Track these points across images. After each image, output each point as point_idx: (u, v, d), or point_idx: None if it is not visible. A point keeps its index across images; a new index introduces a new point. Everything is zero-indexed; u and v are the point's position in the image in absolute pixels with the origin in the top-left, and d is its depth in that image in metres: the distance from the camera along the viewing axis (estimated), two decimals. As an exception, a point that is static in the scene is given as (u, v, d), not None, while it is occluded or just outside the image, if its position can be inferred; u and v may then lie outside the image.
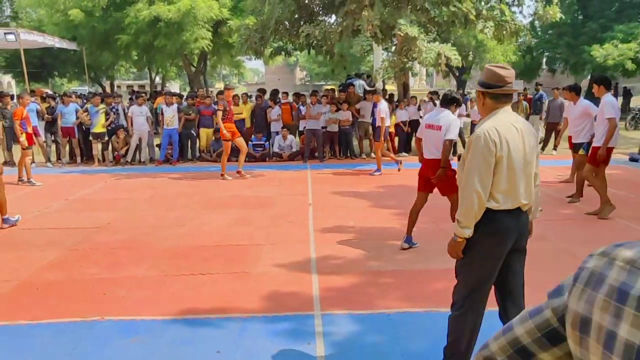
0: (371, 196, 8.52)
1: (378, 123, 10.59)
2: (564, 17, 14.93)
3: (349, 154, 13.36)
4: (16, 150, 11.43)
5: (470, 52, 25.75)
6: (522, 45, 26.95)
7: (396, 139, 13.89)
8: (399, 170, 10.83)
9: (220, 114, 10.21)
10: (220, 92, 14.03)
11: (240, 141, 10.53)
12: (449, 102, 5.50)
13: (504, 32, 12.44)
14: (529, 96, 14.80)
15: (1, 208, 6.79)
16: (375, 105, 13.08)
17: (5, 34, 15.39)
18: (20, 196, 8.70)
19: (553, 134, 13.59)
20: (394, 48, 14.58)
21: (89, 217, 7.25)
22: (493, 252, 2.81)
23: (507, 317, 2.93)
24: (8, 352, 3.49)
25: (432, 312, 3.97)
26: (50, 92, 19.17)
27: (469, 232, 2.78)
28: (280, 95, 14.03)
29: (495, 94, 2.82)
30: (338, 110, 12.99)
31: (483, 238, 2.80)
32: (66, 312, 4.10)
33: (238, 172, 10.48)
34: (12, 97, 14.29)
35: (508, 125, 2.76)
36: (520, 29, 12.69)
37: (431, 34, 12.73)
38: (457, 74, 31.84)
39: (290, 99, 14.30)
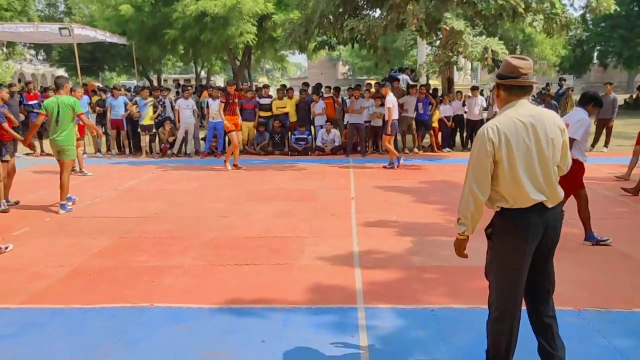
0: (414, 191, 8.45)
1: (386, 117, 10.76)
2: (618, 8, 14.39)
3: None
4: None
5: (518, 46, 25.10)
6: (572, 38, 26.09)
7: (439, 135, 13.72)
8: (397, 166, 10.82)
9: (222, 106, 10.72)
10: (265, 87, 14.24)
11: (234, 135, 10.90)
12: (586, 100, 5.43)
13: (554, 25, 12.08)
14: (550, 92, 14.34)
15: (62, 193, 7.14)
16: (419, 100, 12.99)
17: (60, 29, 15.98)
18: (73, 186, 9.00)
19: (604, 131, 13.12)
20: (438, 42, 14.35)
21: (137, 207, 7.47)
22: (515, 251, 2.71)
23: (538, 317, 2.87)
24: (63, 334, 3.64)
25: (477, 308, 3.92)
26: (100, 85, 19.81)
27: (463, 229, 2.78)
28: (323, 90, 14.07)
29: (508, 85, 2.73)
30: (383, 104, 12.91)
31: (502, 237, 2.75)
32: (117, 297, 4.25)
33: (235, 165, 10.90)
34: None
35: (513, 121, 2.66)
36: (571, 22, 12.28)
37: (477, 28, 12.45)
38: (504, 69, 31.07)
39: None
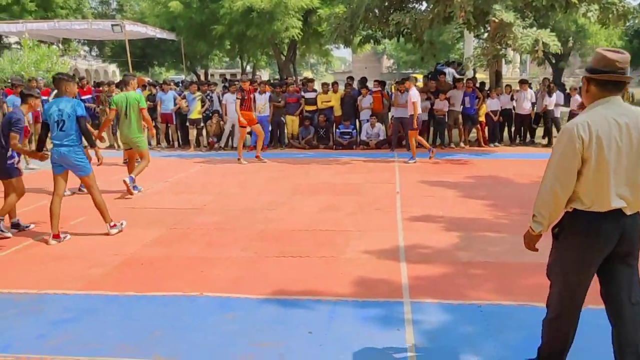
0: (460, 186, 8.34)
1: (410, 111, 10.65)
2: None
3: (438, 143, 13.11)
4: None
5: (570, 38, 24.31)
6: (629, 29, 25.03)
7: (486, 129, 13.45)
8: (430, 158, 10.83)
9: (238, 102, 10.74)
10: (310, 81, 14.31)
11: (257, 127, 11.06)
12: None
13: (610, 15, 11.62)
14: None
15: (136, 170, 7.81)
16: (466, 94, 12.77)
17: (112, 25, 16.50)
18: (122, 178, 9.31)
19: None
20: (486, 35, 14.06)
21: (186, 199, 7.66)
22: (582, 256, 2.59)
23: (619, 342, 2.61)
24: (118, 320, 3.79)
25: (526, 306, 3.85)
26: (150, 80, 20.33)
27: (539, 228, 2.63)
28: (371, 84, 14.01)
29: (601, 80, 2.52)
30: (429, 99, 12.77)
31: (570, 239, 2.61)
32: (168, 286, 4.39)
33: (257, 157, 11.08)
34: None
35: (606, 119, 2.46)
36: (629, 12, 11.80)
37: (528, 19, 12.14)
38: (554, 61, 30.18)
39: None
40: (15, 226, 6.17)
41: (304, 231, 5.98)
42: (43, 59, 15.79)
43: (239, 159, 10.92)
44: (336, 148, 12.97)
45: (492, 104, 13.15)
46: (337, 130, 13.38)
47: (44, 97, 11.52)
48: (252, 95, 11.03)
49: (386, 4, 13.44)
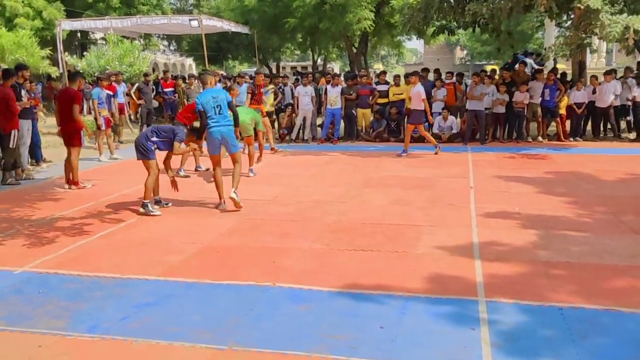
0: (538, 182, 8.00)
1: (414, 106, 10.65)
2: None
3: (514, 137, 12.63)
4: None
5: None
6: None
7: (567, 123, 12.82)
8: (436, 153, 10.66)
9: (249, 96, 10.95)
10: (383, 73, 14.19)
11: (265, 121, 10.99)
12: None
13: None
14: None
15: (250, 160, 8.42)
16: (546, 86, 12.22)
17: (190, 20, 17.03)
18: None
19: None
20: (569, 23, 13.34)
21: (259, 190, 7.81)
22: None
23: None
24: (196, 306, 3.92)
25: (611, 310, 3.64)
26: (224, 73, 20.88)
27: None
28: (444, 76, 13.72)
29: None
30: (507, 91, 12.30)
31: None
32: (243, 275, 4.49)
33: (272, 149, 11.28)
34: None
35: None
36: None
37: (617, 5, 11.38)
38: (645, 50, 28.22)
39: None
40: (157, 202, 6.85)
41: (375, 224, 5.94)
42: (126, 54, 16.56)
43: (273, 150, 11.34)
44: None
45: (576, 96, 12.47)
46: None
47: (109, 92, 12.07)
48: (262, 90, 11.25)
49: (462, -7, 13.03)
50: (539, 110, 12.41)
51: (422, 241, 5.33)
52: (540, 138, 12.57)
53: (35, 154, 10.26)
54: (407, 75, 13.82)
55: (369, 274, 4.46)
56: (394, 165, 9.71)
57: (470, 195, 7.25)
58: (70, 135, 8.22)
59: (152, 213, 6.46)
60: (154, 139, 6.58)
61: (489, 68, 18.72)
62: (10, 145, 8.41)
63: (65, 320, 3.71)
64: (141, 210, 6.52)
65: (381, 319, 3.62)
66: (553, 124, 12.76)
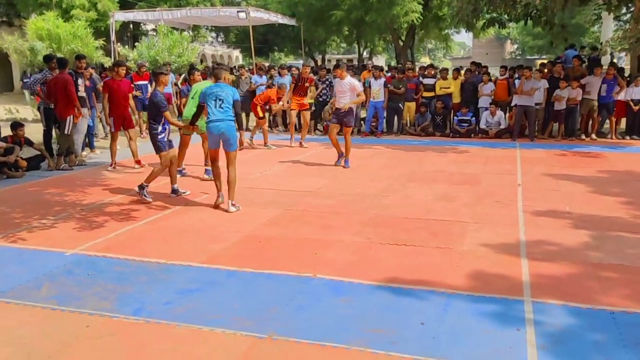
0: (591, 181, 7.71)
1: (346, 103, 8.66)
2: None
3: (566, 134, 12.19)
4: (243, 117, 12.77)
5: None
6: None
7: (623, 120, 12.29)
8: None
9: (292, 86, 11.18)
10: (430, 66, 13.96)
11: (305, 114, 11.31)
12: None
13: None
14: None
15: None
16: (604, 81, 11.74)
17: (238, 12, 17.20)
18: (244, 160, 9.72)
19: None
20: (629, 15, 12.78)
21: (301, 182, 7.82)
22: None
23: None
24: (238, 294, 3.96)
25: (668, 317, 3.47)
26: (270, 64, 20.99)
27: None
28: (496, 70, 13.38)
29: None
30: (568, 86, 11.83)
31: None
32: (284, 265, 4.51)
33: (300, 144, 11.19)
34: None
35: None
36: None
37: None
38: None
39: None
40: (174, 192, 7.07)
41: (418, 220, 5.85)
42: (175, 45, 16.87)
43: (300, 144, 11.26)
44: (453, 136, 12.56)
45: (635, 92, 11.91)
46: (455, 117, 12.95)
47: (144, 82, 12.34)
48: (307, 84, 11.27)
49: (514, -16, 12.66)
50: (596, 105, 11.90)
51: (467, 238, 5.22)
52: (593, 135, 12.10)
53: (90, 142, 10.63)
54: (456, 69, 13.59)
55: (410, 269, 4.40)
56: (439, 160, 9.55)
57: (518, 193, 7.05)
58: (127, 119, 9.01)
59: (145, 198, 6.74)
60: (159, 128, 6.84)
61: (539, 62, 18.11)
62: (66, 132, 8.73)
63: (111, 302, 3.81)
64: (136, 189, 6.87)
65: (422, 315, 3.57)
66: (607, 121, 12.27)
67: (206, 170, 7.97)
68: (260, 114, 11.06)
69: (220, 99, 6.25)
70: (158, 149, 6.87)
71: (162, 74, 6.96)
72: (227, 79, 6.52)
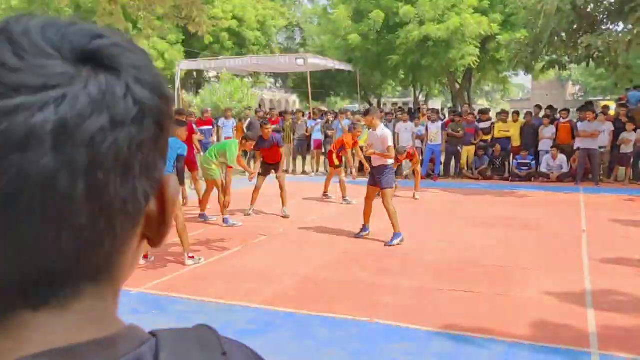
0: (662, 228, 7.35)
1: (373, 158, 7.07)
2: None
3: (634, 179, 11.71)
4: (299, 160, 13.06)
5: None
6: None
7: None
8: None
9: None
10: (484, 111, 13.87)
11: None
12: None
13: None
14: None
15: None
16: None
17: (296, 59, 17.76)
18: (307, 203, 9.86)
19: None
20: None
21: (359, 224, 7.82)
22: None
23: None
24: (295, 336, 4.00)
25: None
26: (325, 109, 21.45)
27: None
28: (559, 114, 13.14)
29: None
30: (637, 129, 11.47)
31: None
32: (340, 308, 4.52)
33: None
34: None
35: None
36: None
37: None
38: None
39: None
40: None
41: (478, 265, 5.74)
42: (237, 91, 17.56)
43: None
44: (512, 180, 12.31)
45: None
46: (515, 160, 12.72)
47: (207, 127, 12.70)
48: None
49: (575, 26, 12.52)
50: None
51: (529, 285, 5.07)
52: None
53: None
54: (515, 112, 13.44)
55: (469, 316, 4.31)
56: (498, 205, 9.37)
57: (582, 239, 6.81)
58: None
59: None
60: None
61: (602, 104, 17.59)
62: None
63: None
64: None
65: (482, 364, 3.48)
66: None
67: (224, 219, 7.96)
68: (336, 162, 9.90)
69: None
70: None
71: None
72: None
